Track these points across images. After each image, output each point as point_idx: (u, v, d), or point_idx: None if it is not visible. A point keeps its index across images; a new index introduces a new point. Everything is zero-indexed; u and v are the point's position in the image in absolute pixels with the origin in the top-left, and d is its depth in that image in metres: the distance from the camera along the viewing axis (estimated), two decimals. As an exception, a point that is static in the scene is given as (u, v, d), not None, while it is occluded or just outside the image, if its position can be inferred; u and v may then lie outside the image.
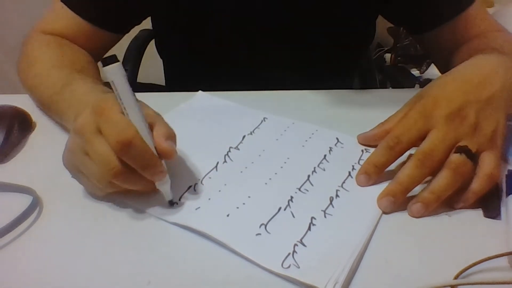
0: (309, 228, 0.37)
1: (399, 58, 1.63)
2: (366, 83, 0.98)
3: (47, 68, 0.55)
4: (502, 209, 0.39)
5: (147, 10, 0.68)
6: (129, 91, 0.37)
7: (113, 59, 0.36)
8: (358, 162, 0.46)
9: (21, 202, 0.39)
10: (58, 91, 0.50)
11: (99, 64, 0.39)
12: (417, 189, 0.40)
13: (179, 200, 0.40)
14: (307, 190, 0.42)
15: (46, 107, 0.54)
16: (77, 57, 0.59)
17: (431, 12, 0.63)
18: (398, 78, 1.31)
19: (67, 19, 0.61)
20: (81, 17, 0.61)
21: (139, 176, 0.37)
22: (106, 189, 0.38)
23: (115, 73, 0.36)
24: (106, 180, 0.37)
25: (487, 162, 0.40)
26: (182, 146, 0.48)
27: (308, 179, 0.43)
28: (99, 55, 0.63)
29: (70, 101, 0.47)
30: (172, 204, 0.40)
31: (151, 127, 0.38)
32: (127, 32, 0.68)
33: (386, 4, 0.65)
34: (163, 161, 0.38)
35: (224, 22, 0.64)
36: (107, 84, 0.39)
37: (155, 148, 0.37)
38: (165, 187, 0.39)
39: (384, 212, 0.40)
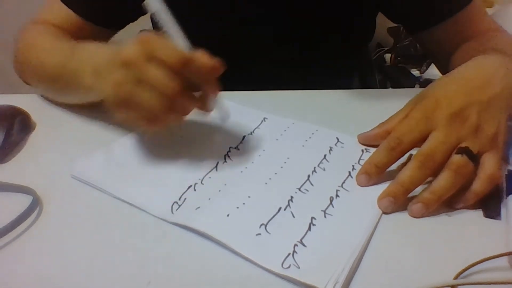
0: (309, 228, 0.37)
1: (399, 58, 1.63)
2: (366, 83, 0.98)
3: (52, 41, 0.56)
4: (502, 209, 0.39)
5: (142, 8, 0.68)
6: (172, 18, 0.40)
7: None
8: (358, 162, 0.46)
9: (21, 202, 0.39)
10: (68, 55, 0.50)
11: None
12: (418, 189, 0.40)
13: (179, 199, 0.40)
14: (307, 190, 0.42)
15: (55, 76, 0.53)
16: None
17: (430, 10, 0.63)
18: (398, 78, 1.31)
19: (60, 13, 0.62)
20: (74, 12, 0.61)
21: (194, 97, 0.40)
22: (162, 116, 0.39)
23: (158, 3, 0.39)
24: (163, 106, 0.38)
25: (489, 163, 0.40)
26: (182, 146, 0.49)
27: (308, 179, 0.43)
28: None
29: (83, 59, 0.48)
30: (225, 119, 0.44)
31: None
32: (122, 28, 0.68)
33: (386, 2, 0.65)
34: None
35: (223, 22, 0.64)
36: None
37: None
38: (218, 102, 0.42)
39: (384, 213, 0.39)
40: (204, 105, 0.42)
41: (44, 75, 0.56)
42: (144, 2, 0.39)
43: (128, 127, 0.51)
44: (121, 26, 0.68)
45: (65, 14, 0.62)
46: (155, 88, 0.38)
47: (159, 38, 0.39)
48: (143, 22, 0.71)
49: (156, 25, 0.73)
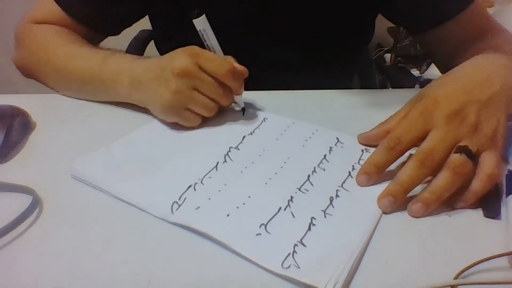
0: (309, 228, 0.37)
1: (399, 58, 1.63)
2: (366, 83, 0.98)
3: (77, 47, 0.59)
4: (502, 209, 0.39)
5: (138, 14, 0.69)
6: (214, 35, 0.50)
7: (199, 13, 0.48)
8: (358, 162, 0.46)
9: (21, 202, 0.39)
10: (99, 62, 0.55)
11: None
12: (418, 189, 0.40)
13: (179, 199, 0.40)
14: (307, 190, 0.42)
15: (85, 81, 0.57)
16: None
17: (430, 11, 0.63)
18: (398, 78, 1.31)
19: (54, 13, 0.63)
20: (68, 15, 0.62)
21: (231, 93, 0.51)
22: (211, 112, 0.51)
23: (205, 22, 0.49)
24: (213, 105, 0.50)
25: (488, 162, 0.40)
26: (182, 146, 0.49)
27: (308, 179, 0.43)
28: None
29: (117, 68, 0.54)
30: (243, 111, 0.54)
31: None
32: (116, 34, 0.69)
33: (386, 3, 0.65)
34: None
35: (223, 22, 0.64)
36: None
37: None
38: (240, 98, 0.54)
39: (384, 212, 0.39)
40: (232, 101, 0.53)
41: (70, 81, 0.58)
42: (194, 20, 0.48)
43: (128, 127, 0.51)
44: (114, 32, 0.69)
45: (59, 15, 0.62)
46: (209, 93, 0.49)
47: (205, 52, 0.49)
48: (143, 22, 0.71)
49: (156, 27, 0.73)
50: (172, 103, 0.49)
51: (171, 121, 0.51)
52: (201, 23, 0.49)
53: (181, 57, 0.48)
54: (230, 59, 0.51)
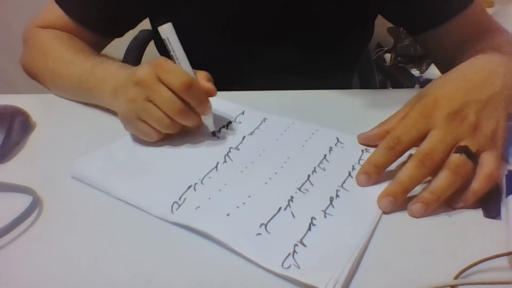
0: (309, 228, 0.37)
1: (399, 58, 1.63)
2: (366, 83, 0.98)
3: (72, 53, 0.59)
4: (502, 209, 0.39)
5: (139, 16, 0.70)
6: (180, 46, 0.46)
7: (164, 20, 0.45)
8: (358, 162, 0.46)
9: (21, 202, 0.39)
10: (88, 69, 0.55)
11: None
12: (417, 189, 0.40)
13: (179, 199, 0.40)
14: (307, 190, 0.42)
15: (74, 88, 0.57)
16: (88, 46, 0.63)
17: (430, 12, 0.63)
18: (398, 78, 1.31)
19: (59, 17, 0.63)
20: (71, 18, 0.63)
21: (193, 112, 0.46)
22: (166, 129, 0.46)
23: (170, 30, 0.45)
24: (167, 121, 0.45)
25: (487, 162, 0.40)
26: (182, 146, 0.49)
27: (308, 179, 0.43)
28: None
29: (103, 76, 0.53)
30: (214, 134, 0.50)
31: None
32: (119, 36, 0.70)
33: (386, 4, 0.65)
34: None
35: (224, 23, 0.64)
36: None
37: None
38: (210, 121, 0.49)
39: (384, 212, 0.40)
40: (199, 121, 0.48)
41: (64, 85, 0.59)
42: (158, 28, 0.45)
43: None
44: (119, 35, 0.69)
45: (63, 19, 0.63)
46: (162, 107, 0.45)
47: (168, 62, 0.45)
48: (143, 22, 0.71)
49: (155, 27, 0.73)
50: (127, 112, 0.47)
51: (131, 132, 0.49)
52: (165, 32, 0.45)
53: (143, 67, 0.45)
54: (203, 74, 0.47)
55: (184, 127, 0.48)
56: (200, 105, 0.46)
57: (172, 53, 0.46)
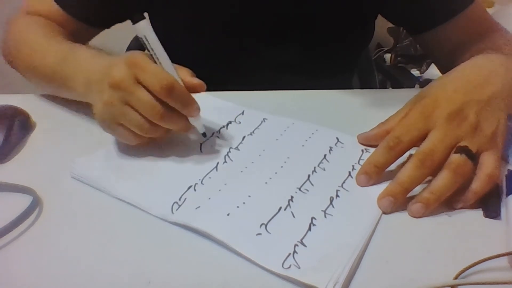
0: (310, 228, 0.37)
1: (399, 58, 1.63)
2: (366, 83, 0.98)
3: (45, 41, 0.56)
4: (502, 209, 0.39)
5: (131, 10, 0.68)
6: (159, 43, 0.41)
7: (140, 17, 0.40)
8: (358, 162, 0.46)
9: (21, 202, 0.39)
10: (60, 59, 0.51)
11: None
12: (417, 189, 0.40)
13: (179, 199, 0.40)
14: (307, 190, 0.42)
15: (47, 78, 0.54)
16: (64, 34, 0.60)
17: (430, 12, 0.63)
18: (398, 78, 1.31)
19: (47, 5, 0.62)
20: (60, 7, 0.61)
21: (178, 115, 0.42)
22: (147, 134, 0.42)
23: (147, 28, 0.41)
24: (147, 126, 0.41)
25: (487, 162, 0.40)
26: (183, 146, 0.49)
27: (308, 179, 0.43)
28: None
29: (76, 67, 0.49)
30: (205, 135, 0.47)
31: None
32: (107, 27, 0.68)
33: (386, 4, 0.65)
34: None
35: (223, 22, 0.64)
36: None
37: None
38: (198, 122, 0.45)
39: (384, 213, 0.40)
40: (185, 124, 0.44)
41: (37, 75, 0.57)
42: (133, 26, 0.41)
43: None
44: (107, 25, 0.68)
45: (51, 6, 0.62)
46: (141, 111, 0.41)
47: (146, 62, 0.41)
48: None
49: (155, 27, 0.73)
50: (103, 115, 0.43)
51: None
52: (142, 29, 0.40)
53: (119, 66, 0.41)
54: (185, 71, 0.44)
55: (171, 130, 0.44)
56: (185, 108, 0.42)
57: (151, 52, 0.41)
